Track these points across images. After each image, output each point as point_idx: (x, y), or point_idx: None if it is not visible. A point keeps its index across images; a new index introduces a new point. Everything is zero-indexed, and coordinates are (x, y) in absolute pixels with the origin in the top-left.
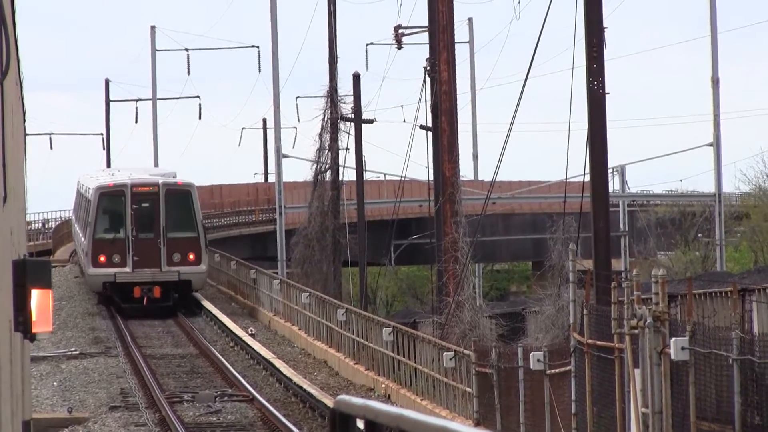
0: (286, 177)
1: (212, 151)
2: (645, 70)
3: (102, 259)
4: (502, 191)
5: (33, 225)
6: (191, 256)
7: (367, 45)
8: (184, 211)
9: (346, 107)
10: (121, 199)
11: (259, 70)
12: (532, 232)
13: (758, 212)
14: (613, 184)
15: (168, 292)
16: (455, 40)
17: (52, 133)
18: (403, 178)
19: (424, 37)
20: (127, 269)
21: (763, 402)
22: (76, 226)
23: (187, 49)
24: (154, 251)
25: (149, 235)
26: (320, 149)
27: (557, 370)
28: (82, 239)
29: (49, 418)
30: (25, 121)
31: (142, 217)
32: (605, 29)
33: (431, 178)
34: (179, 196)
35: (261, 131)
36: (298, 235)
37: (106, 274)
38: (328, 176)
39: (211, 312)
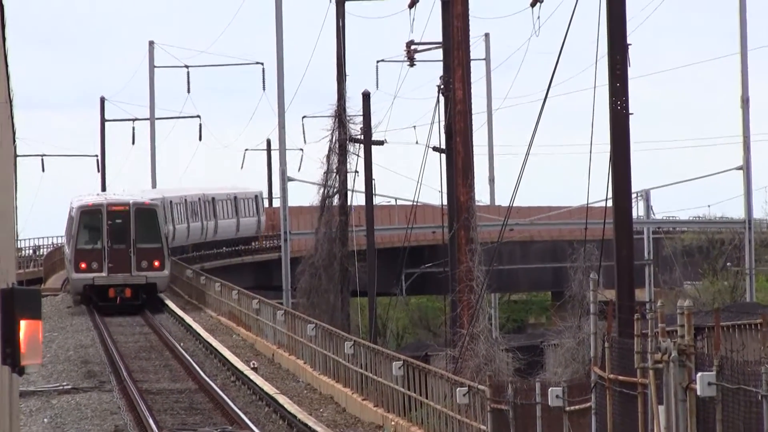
0: (292, 201)
1: (213, 174)
2: (671, 89)
3: (83, 265)
4: (520, 217)
5: (23, 252)
6: (156, 263)
7: (378, 62)
8: (151, 226)
9: (355, 128)
10: (98, 216)
11: (264, 88)
12: (552, 260)
13: None
14: (638, 210)
15: (137, 293)
16: (471, 57)
17: (44, 155)
18: (415, 203)
19: (438, 53)
20: (104, 274)
21: None
22: (65, 239)
23: (187, 66)
24: (126, 259)
25: (122, 245)
26: (328, 172)
27: (577, 407)
28: (67, 250)
29: None
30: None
31: (116, 231)
32: (629, 46)
33: (445, 203)
34: (147, 213)
35: (265, 153)
36: (304, 263)
37: (86, 278)
38: (336, 201)
39: (211, 345)
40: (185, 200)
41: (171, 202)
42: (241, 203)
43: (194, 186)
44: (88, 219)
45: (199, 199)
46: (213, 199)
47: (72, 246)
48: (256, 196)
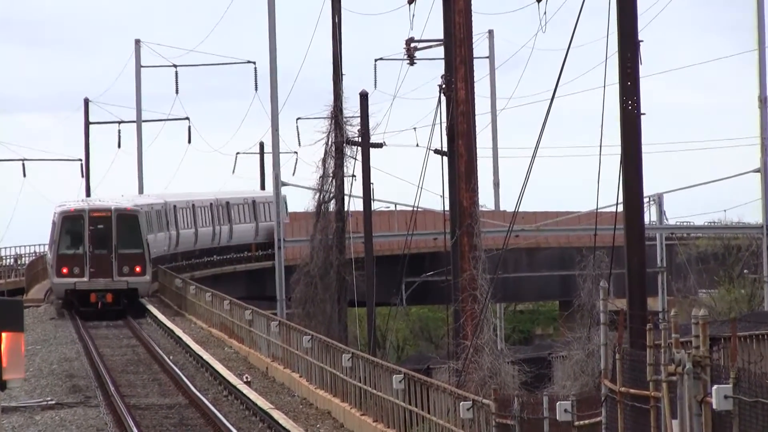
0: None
1: (203, 179)
2: (685, 88)
3: (64, 270)
4: (526, 223)
5: (4, 261)
6: (138, 269)
7: (376, 60)
8: (133, 232)
9: (353, 129)
10: (80, 221)
11: (256, 89)
12: (560, 268)
13: None
14: (650, 215)
15: (119, 299)
16: (473, 55)
17: (26, 159)
18: (415, 209)
19: (439, 51)
20: (85, 279)
21: None
22: (48, 245)
23: (175, 66)
24: (107, 264)
25: (103, 251)
26: (323, 176)
27: (587, 422)
28: (50, 255)
29: None
30: None
31: (97, 236)
32: (640, 43)
33: (447, 208)
34: (129, 219)
35: (258, 156)
36: (299, 271)
37: (68, 283)
38: (332, 206)
39: (202, 358)
40: (192, 205)
41: (175, 206)
42: (260, 207)
43: (209, 191)
44: (70, 224)
45: (212, 204)
46: (227, 203)
47: (54, 251)
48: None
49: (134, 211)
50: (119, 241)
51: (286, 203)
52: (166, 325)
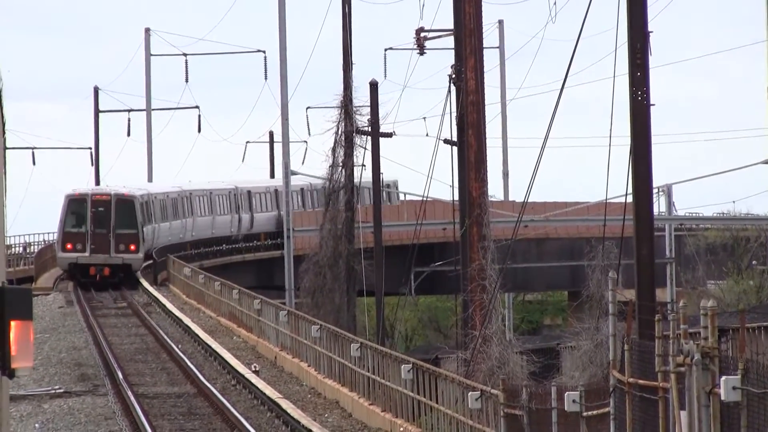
0: None
1: (213, 168)
2: (695, 78)
3: (69, 246)
4: (536, 213)
5: (13, 249)
6: (132, 247)
7: (386, 50)
8: (129, 215)
9: (362, 119)
10: (84, 204)
11: (266, 78)
12: (569, 258)
13: None
14: (659, 206)
15: (115, 272)
16: (484, 45)
17: (35, 147)
18: (425, 199)
19: (449, 41)
20: (86, 254)
21: None
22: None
23: (185, 54)
24: (106, 242)
25: (103, 230)
26: (333, 166)
27: (595, 412)
28: (57, 233)
29: None
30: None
31: (98, 218)
32: (650, 33)
33: (456, 198)
34: (126, 203)
35: (267, 145)
36: (308, 261)
37: (71, 257)
38: (341, 196)
39: (210, 347)
40: (210, 193)
41: (191, 194)
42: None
43: (236, 179)
44: (75, 206)
45: (230, 192)
46: (249, 192)
47: (60, 229)
48: (302, 189)
49: (131, 196)
50: (117, 223)
51: (397, 187)
52: (174, 314)
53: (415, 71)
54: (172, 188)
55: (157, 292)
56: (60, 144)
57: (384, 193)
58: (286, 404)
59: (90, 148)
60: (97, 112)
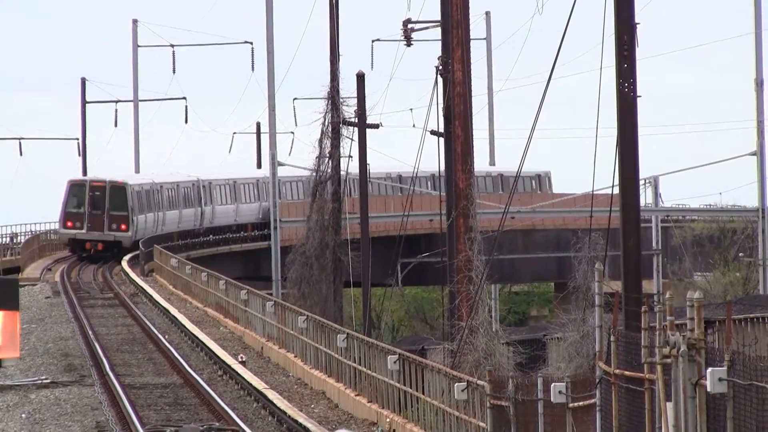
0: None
1: (200, 158)
2: (682, 70)
3: (69, 224)
4: (522, 205)
5: (0, 239)
6: (123, 226)
7: (373, 41)
8: (121, 199)
9: (349, 110)
10: (83, 188)
11: (253, 69)
12: (555, 250)
13: None
14: (645, 198)
15: (108, 248)
16: (471, 37)
17: (22, 138)
18: (411, 189)
19: (436, 32)
20: (84, 231)
21: None
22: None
23: (172, 45)
24: (101, 221)
25: (98, 211)
26: (320, 157)
27: (581, 404)
28: (60, 213)
29: None
30: None
31: (95, 200)
32: (637, 25)
33: (443, 189)
34: (119, 189)
35: (254, 136)
36: (295, 252)
37: (70, 233)
38: (328, 187)
39: (197, 337)
40: (234, 182)
41: (210, 183)
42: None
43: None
44: (75, 190)
45: (251, 183)
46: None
47: (62, 209)
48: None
49: (123, 183)
50: (110, 205)
51: (549, 179)
52: (161, 305)
53: (402, 62)
54: (186, 177)
55: (143, 283)
56: (47, 134)
57: (533, 182)
58: (272, 395)
59: (77, 139)
60: (84, 102)
